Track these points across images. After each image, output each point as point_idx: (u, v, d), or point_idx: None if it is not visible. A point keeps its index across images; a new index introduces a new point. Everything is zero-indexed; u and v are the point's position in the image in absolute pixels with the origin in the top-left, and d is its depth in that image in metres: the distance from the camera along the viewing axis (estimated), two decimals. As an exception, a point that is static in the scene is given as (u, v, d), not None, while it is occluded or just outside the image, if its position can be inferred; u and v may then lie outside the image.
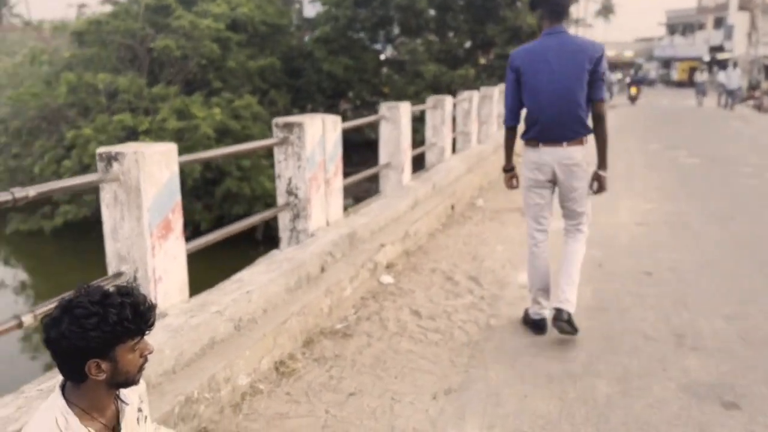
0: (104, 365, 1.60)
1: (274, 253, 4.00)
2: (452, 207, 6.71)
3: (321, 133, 4.42)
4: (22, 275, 15.53)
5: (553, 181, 3.67)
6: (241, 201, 15.39)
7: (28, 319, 2.38)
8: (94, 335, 1.55)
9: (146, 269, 2.90)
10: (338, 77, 19.06)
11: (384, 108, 6.13)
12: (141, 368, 1.70)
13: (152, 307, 1.68)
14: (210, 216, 15.48)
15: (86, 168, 15.27)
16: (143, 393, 1.88)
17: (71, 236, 15.18)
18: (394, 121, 6.08)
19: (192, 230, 14.22)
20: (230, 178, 15.27)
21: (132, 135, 15.00)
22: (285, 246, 4.38)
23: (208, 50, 17.00)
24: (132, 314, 1.60)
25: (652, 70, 54.46)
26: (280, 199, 4.37)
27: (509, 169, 3.89)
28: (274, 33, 19.83)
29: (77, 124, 15.90)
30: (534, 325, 3.78)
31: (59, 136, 16.21)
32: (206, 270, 4.92)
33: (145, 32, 17.37)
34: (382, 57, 21.46)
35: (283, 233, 4.43)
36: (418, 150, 7.28)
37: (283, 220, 4.41)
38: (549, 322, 3.71)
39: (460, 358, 3.47)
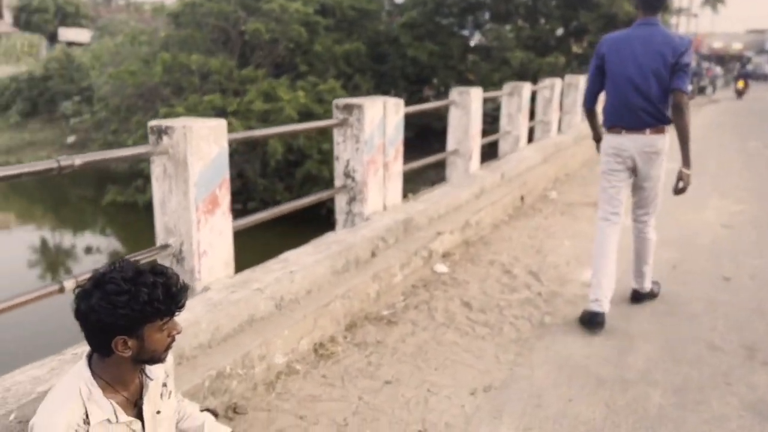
0: (131, 342, 1.61)
1: (328, 235, 3.98)
2: (522, 198, 6.48)
3: (381, 116, 4.36)
4: (116, 244, 16.46)
5: (632, 169, 3.68)
6: (320, 183, 15.62)
7: (69, 285, 2.46)
8: (123, 313, 1.56)
9: (191, 243, 2.94)
10: (423, 63, 18.89)
11: (454, 93, 5.98)
12: (168, 347, 1.70)
13: (184, 289, 1.67)
14: (291, 197, 15.83)
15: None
16: (169, 368, 1.88)
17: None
18: (464, 107, 5.92)
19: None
20: (311, 161, 15.51)
21: (221, 115, 15.48)
22: (340, 228, 4.36)
23: (296, 34, 17.30)
24: (163, 295, 1.60)
25: (765, 63, 50.68)
26: (338, 182, 4.35)
27: (598, 139, 3.97)
28: (362, 18, 19.89)
29: (171, 102, 16.63)
30: (590, 320, 3.59)
31: (154, 114, 17.00)
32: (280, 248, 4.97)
33: (238, 15, 17.88)
34: (470, 43, 21.06)
35: (339, 216, 4.41)
36: (491, 138, 7.07)
37: (340, 203, 4.39)
38: (606, 320, 3.55)
39: (506, 355, 3.33)
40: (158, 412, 1.82)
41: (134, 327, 1.61)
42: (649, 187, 3.71)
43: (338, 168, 4.34)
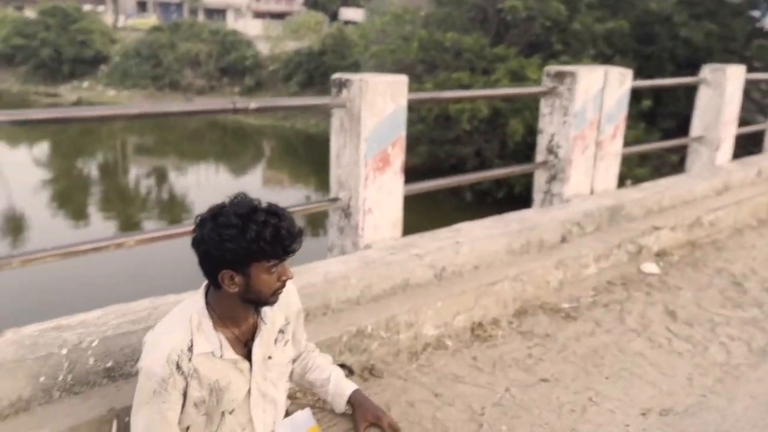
0: (237, 279, 1.59)
1: (512, 213, 3.67)
2: (783, 202, 5.35)
3: (599, 87, 3.87)
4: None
5: None
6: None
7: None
8: (230, 247, 1.54)
9: (358, 199, 2.91)
10: (697, 45, 16.77)
11: (706, 70, 5.11)
12: (276, 292, 1.66)
13: (295, 235, 1.60)
14: (527, 182, 15.34)
15: (423, 120, 16.49)
16: (292, 315, 1.85)
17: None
18: (717, 87, 5.03)
19: (508, 192, 14.32)
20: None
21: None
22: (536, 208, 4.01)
23: (554, 11, 16.57)
24: (271, 236, 1.55)
25: None
26: (539, 157, 3.99)
27: None
28: (632, -5, 18.30)
29: (423, 79, 17.16)
30: None
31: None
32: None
33: (497, -8, 17.70)
34: (760, 25, 18.11)
35: (537, 195, 4.06)
36: (752, 128, 5.95)
37: (539, 180, 4.03)
38: None
39: (703, 379, 2.74)
40: (269, 358, 1.79)
41: (241, 263, 1.57)
42: None
43: (541, 142, 3.97)
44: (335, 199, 2.98)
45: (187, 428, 1.73)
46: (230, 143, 25.48)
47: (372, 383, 2.54)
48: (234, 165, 22.12)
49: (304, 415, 1.95)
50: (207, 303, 1.69)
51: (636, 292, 3.58)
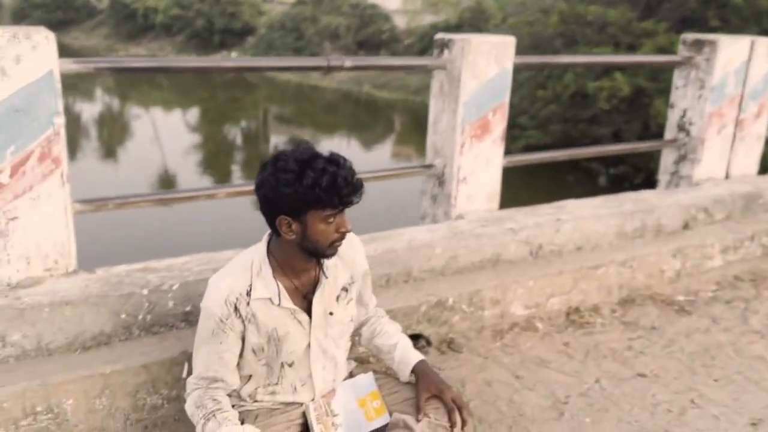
0: (294, 226, 1.58)
1: (627, 193, 3.36)
2: None
3: (743, 60, 3.42)
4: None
5: None
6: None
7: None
8: (286, 191, 1.53)
9: (452, 167, 2.78)
10: None
11: None
12: (333, 243, 1.62)
13: (353, 185, 1.55)
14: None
15: (557, 98, 15.80)
16: (358, 275, 1.80)
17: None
18: None
19: (647, 177, 13.39)
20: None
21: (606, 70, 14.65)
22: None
23: (714, -18, 15.07)
24: (328, 184, 1.51)
25: None
26: (668, 134, 3.62)
27: None
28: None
29: (561, 54, 16.38)
30: None
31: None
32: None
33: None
34: None
35: (662, 176, 3.70)
36: None
37: (666, 161, 3.67)
38: None
39: (837, 395, 2.36)
40: (331, 314, 1.76)
41: (297, 210, 1.55)
42: None
43: (671, 118, 3.60)
44: (429, 166, 2.87)
45: (249, 377, 1.75)
46: (362, 116, 25.97)
47: (449, 357, 2.44)
48: (365, 138, 22.53)
49: (366, 379, 1.90)
50: (269, 250, 1.68)
51: (767, 290, 3.17)
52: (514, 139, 16.52)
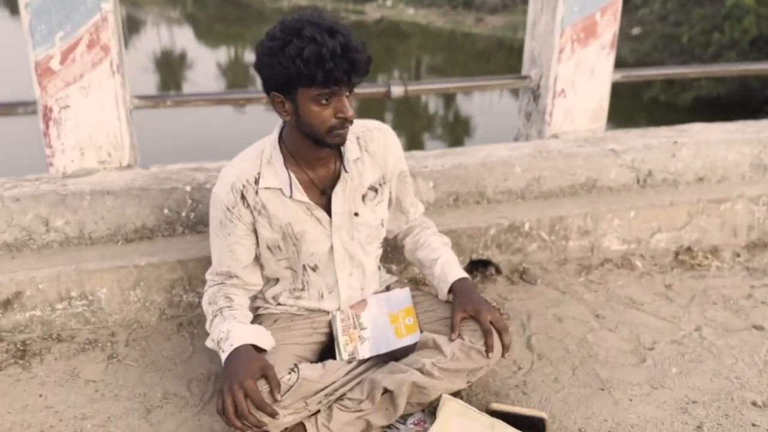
0: (287, 105, 1.40)
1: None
2: None
3: None
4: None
5: None
6: None
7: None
8: (267, 62, 1.35)
9: (549, 77, 2.42)
10: None
11: None
12: (332, 130, 1.40)
13: (347, 61, 1.31)
14: None
15: (735, 44, 13.92)
16: (392, 175, 1.58)
17: (702, 112, 14.46)
18: None
19: None
20: None
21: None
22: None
23: None
24: (312, 56, 1.28)
25: None
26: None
27: None
28: None
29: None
30: None
31: (720, 6, 15.04)
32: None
33: None
34: None
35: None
36: None
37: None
38: None
39: None
40: (356, 215, 1.57)
41: (285, 85, 1.36)
42: None
43: None
44: (524, 77, 2.53)
45: (277, 280, 1.64)
46: (516, 65, 24.93)
47: (519, 288, 2.15)
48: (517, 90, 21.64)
49: (401, 294, 1.71)
50: (280, 138, 1.51)
51: None
52: (682, 89, 14.92)
